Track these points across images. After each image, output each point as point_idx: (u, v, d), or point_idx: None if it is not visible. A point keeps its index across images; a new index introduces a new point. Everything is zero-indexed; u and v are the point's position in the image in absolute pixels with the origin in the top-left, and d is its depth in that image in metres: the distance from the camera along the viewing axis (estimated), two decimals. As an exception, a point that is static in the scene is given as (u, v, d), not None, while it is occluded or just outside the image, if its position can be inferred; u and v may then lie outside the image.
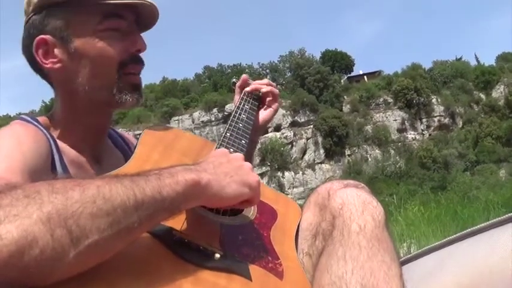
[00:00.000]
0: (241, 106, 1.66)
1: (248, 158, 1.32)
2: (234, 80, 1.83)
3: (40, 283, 0.77)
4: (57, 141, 1.37)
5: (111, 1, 1.34)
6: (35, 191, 0.78)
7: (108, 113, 1.51)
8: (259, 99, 1.76)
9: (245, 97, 1.72)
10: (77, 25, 1.36)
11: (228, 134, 1.48)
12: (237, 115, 1.60)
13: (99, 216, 0.80)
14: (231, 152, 1.20)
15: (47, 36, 1.35)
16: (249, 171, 1.12)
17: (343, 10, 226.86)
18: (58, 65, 1.37)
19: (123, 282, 0.86)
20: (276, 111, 1.79)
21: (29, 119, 1.38)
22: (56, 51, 1.36)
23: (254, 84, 1.76)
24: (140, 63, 1.45)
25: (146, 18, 1.46)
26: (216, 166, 1.08)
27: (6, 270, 0.71)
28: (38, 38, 1.35)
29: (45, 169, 1.25)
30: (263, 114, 1.75)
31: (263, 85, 1.76)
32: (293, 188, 51.50)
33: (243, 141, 1.46)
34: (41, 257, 0.73)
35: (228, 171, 1.08)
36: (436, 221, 7.00)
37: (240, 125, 1.55)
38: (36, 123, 1.37)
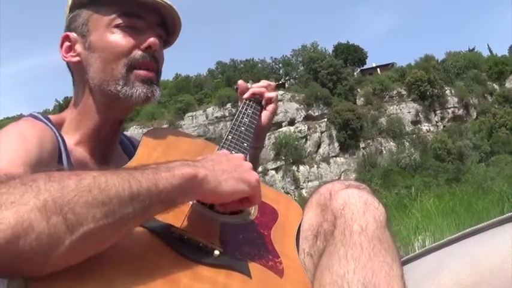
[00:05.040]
0: (243, 110, 1.68)
1: (253, 160, 1.33)
2: (236, 87, 1.83)
3: (36, 271, 0.78)
4: (66, 140, 1.39)
5: None
6: (32, 180, 0.80)
7: (118, 110, 1.49)
8: (260, 103, 1.77)
9: (247, 101, 1.73)
10: (95, 21, 1.42)
11: (229, 137, 1.49)
12: (239, 119, 1.62)
13: (94, 205, 0.81)
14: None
15: (71, 33, 1.44)
16: (248, 169, 1.13)
17: (355, 2, 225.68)
18: (76, 59, 1.43)
19: (122, 278, 0.87)
20: (272, 112, 1.78)
21: (39, 116, 1.40)
22: (77, 46, 1.43)
23: (251, 90, 1.77)
24: (152, 60, 1.43)
25: (170, 22, 1.49)
26: (215, 163, 1.09)
27: (2, 255, 0.73)
28: (63, 34, 1.44)
29: (51, 165, 1.25)
30: (262, 116, 1.75)
31: (259, 88, 1.78)
32: (308, 182, 51.26)
33: (245, 144, 1.48)
34: (37, 243, 0.74)
35: (227, 168, 1.09)
36: (451, 213, 6.98)
37: (242, 128, 1.56)
38: (46, 120, 1.39)
